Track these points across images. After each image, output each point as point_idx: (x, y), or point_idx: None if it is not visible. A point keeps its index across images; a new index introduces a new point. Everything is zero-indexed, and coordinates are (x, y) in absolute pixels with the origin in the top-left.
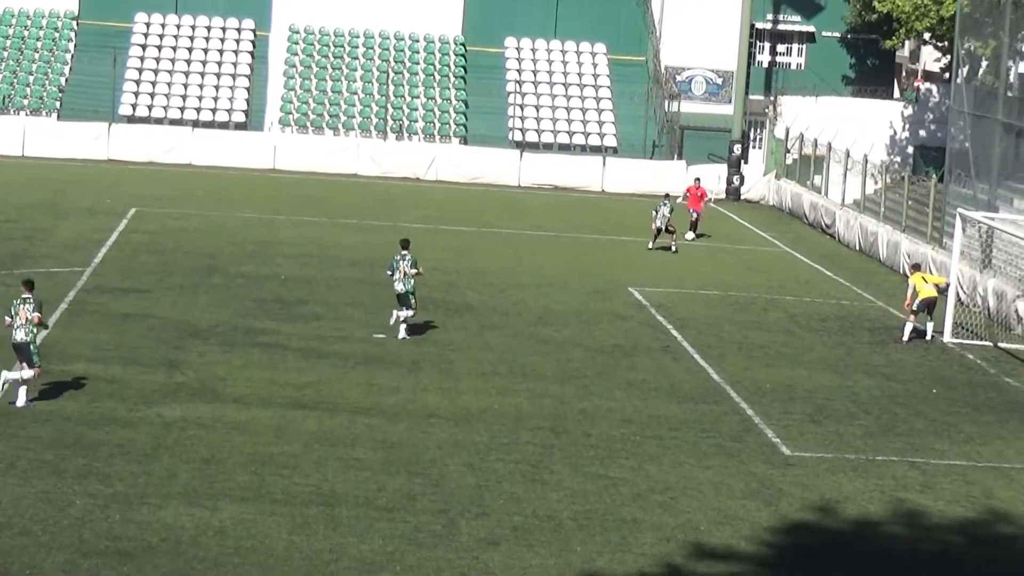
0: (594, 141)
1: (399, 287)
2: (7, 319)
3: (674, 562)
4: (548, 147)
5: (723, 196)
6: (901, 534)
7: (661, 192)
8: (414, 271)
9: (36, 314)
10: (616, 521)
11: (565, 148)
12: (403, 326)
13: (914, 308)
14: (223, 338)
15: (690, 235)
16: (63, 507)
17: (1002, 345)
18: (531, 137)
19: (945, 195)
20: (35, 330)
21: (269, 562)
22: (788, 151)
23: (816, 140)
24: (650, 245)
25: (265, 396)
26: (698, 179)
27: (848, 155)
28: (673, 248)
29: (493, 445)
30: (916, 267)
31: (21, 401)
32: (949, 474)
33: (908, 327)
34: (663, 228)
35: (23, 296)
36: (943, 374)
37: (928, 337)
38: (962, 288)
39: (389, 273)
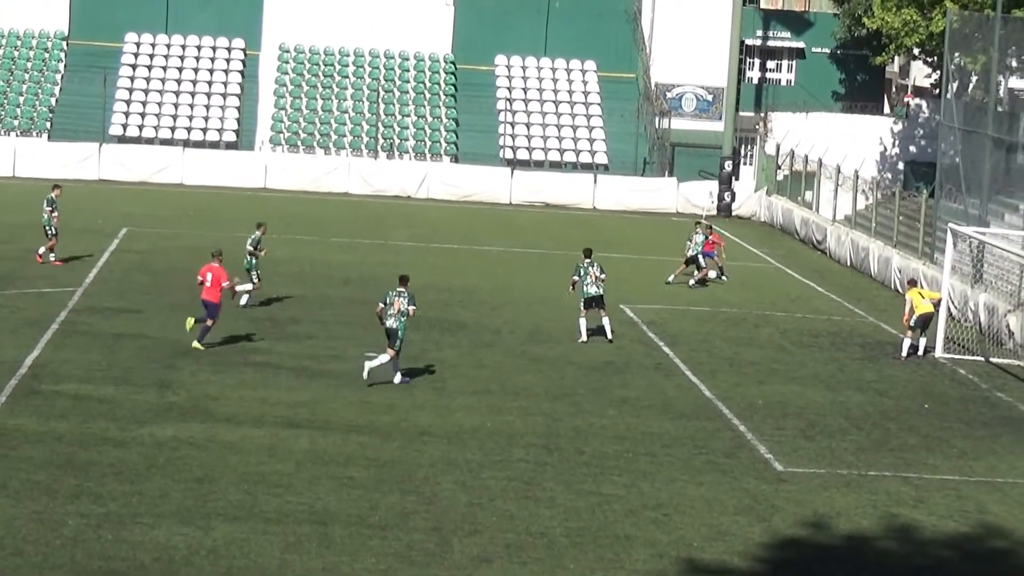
0: (585, 158)
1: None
2: (381, 305)
3: None
4: (539, 165)
5: (714, 212)
6: (894, 549)
7: (653, 208)
8: (411, 308)
9: (411, 307)
10: (609, 538)
11: (556, 166)
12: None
13: (911, 324)
14: (215, 357)
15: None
16: (56, 527)
17: (994, 360)
18: (522, 155)
19: (936, 210)
20: (405, 320)
21: None
22: (779, 167)
23: (807, 156)
24: (670, 279)
25: (257, 415)
26: (710, 226)
27: (839, 171)
28: (691, 282)
29: (486, 463)
30: (912, 283)
31: (397, 379)
32: (942, 489)
33: (906, 343)
34: (690, 259)
35: (398, 289)
36: (935, 389)
37: (921, 352)
38: (953, 303)
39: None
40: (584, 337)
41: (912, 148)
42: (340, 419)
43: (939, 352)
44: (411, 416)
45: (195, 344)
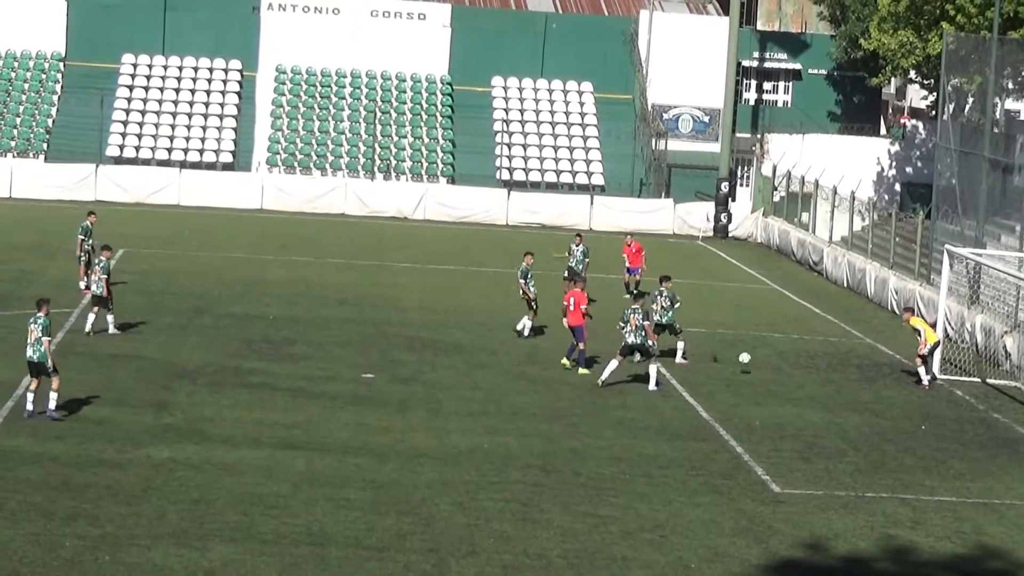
0: (581, 179)
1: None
2: None
3: None
4: (535, 186)
5: (711, 234)
6: (892, 571)
7: (650, 229)
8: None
9: None
10: (606, 560)
11: (552, 187)
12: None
13: (924, 353)
14: (211, 378)
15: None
16: (52, 549)
17: (990, 381)
18: (518, 176)
19: (932, 231)
20: None
21: None
22: (775, 188)
23: (803, 177)
24: (603, 377)
25: (254, 436)
26: (630, 235)
27: (835, 192)
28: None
29: (483, 484)
30: (910, 310)
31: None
32: (939, 510)
33: (923, 370)
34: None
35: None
36: (932, 411)
37: (928, 379)
38: (950, 324)
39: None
40: (605, 376)
41: (908, 169)
42: (336, 440)
43: (936, 370)
44: (407, 437)
45: (581, 370)
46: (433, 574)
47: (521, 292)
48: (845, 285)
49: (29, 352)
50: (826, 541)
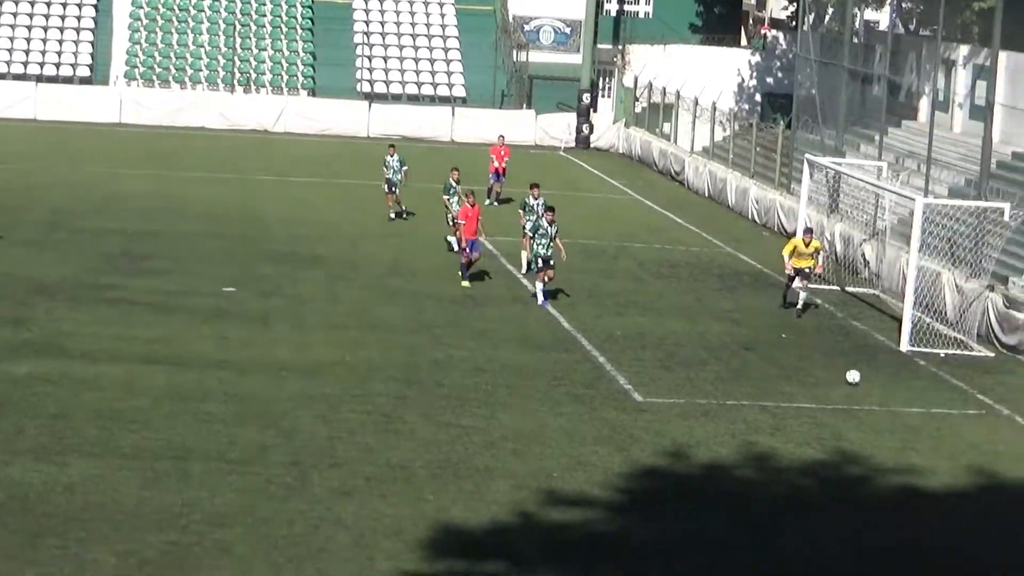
0: (443, 91)
1: None
2: None
3: (527, 509)
4: (397, 98)
5: (573, 145)
6: (752, 477)
7: (512, 141)
8: None
9: None
10: (469, 470)
11: (414, 99)
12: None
13: (821, 273)
14: (70, 294)
15: (490, 202)
16: None
17: (849, 289)
18: (380, 88)
19: (793, 141)
20: None
21: (120, 518)
22: (637, 99)
23: (665, 88)
24: (392, 216)
25: (113, 352)
26: (502, 136)
27: (696, 103)
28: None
29: (345, 397)
30: (810, 232)
31: None
32: (799, 417)
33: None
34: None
35: None
36: (792, 319)
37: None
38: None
39: None
40: (543, 299)
41: (769, 80)
42: (197, 354)
43: (796, 283)
44: (269, 351)
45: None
46: (295, 487)
47: (445, 208)
48: (706, 195)
49: None
50: (687, 449)
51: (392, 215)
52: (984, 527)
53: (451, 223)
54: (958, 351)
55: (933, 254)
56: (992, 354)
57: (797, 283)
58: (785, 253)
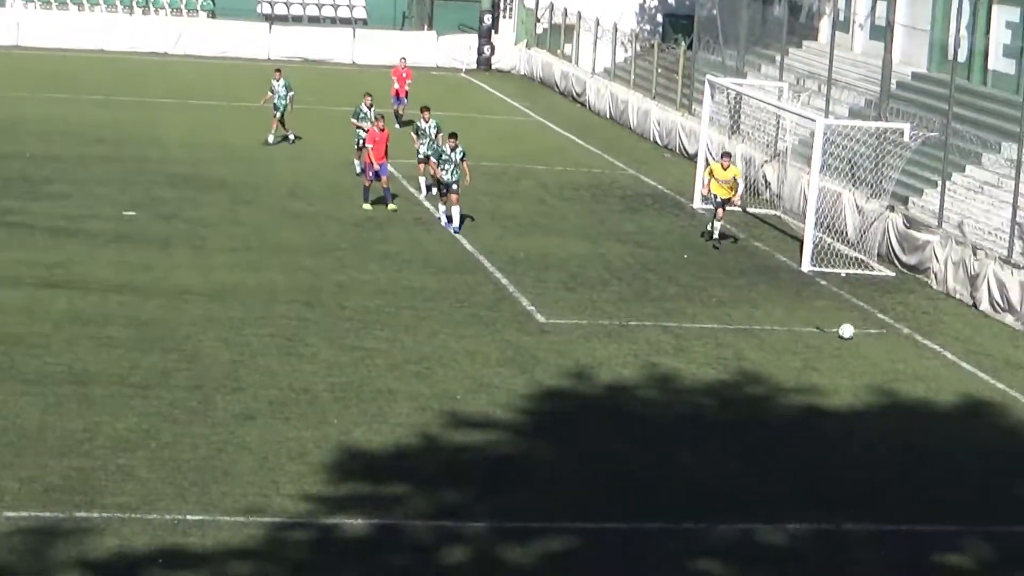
0: (343, 13)
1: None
2: None
3: (431, 431)
4: (297, 20)
5: (474, 66)
6: (655, 397)
7: (412, 63)
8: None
9: None
10: (372, 392)
11: (314, 20)
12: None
13: (739, 204)
14: None
15: (398, 126)
16: None
17: (751, 210)
18: (280, 10)
19: (694, 62)
20: None
21: (22, 443)
22: (538, 20)
23: (566, 9)
24: (270, 139)
25: (13, 276)
26: (404, 58)
27: (598, 23)
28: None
29: (247, 320)
30: (728, 155)
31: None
32: (701, 337)
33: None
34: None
35: None
36: (694, 240)
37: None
38: (711, 155)
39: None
40: (457, 224)
41: (671, 0)
42: (98, 279)
43: (697, 204)
44: (171, 275)
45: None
46: (199, 411)
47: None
48: (608, 116)
49: None
50: (590, 369)
51: (270, 139)
52: (884, 445)
53: (358, 146)
54: (859, 271)
55: (834, 175)
56: (892, 274)
57: (719, 215)
58: (705, 175)
